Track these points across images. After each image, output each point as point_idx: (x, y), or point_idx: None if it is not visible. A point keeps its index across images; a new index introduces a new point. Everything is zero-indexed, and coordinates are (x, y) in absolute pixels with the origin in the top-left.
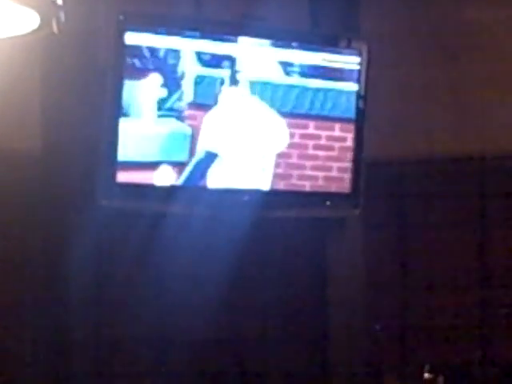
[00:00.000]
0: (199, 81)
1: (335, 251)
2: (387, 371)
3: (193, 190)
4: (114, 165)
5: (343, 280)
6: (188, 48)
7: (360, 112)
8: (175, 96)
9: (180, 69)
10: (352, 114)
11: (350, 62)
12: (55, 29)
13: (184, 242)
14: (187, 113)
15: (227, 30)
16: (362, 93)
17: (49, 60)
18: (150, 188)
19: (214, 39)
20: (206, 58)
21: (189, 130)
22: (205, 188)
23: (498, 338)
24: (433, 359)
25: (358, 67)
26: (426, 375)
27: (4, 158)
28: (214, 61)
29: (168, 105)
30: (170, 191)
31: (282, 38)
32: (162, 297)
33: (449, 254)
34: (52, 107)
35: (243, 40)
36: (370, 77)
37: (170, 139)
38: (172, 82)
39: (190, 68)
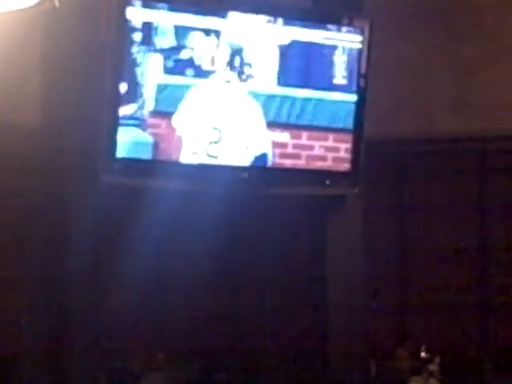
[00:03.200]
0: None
1: (334, 229)
2: (384, 349)
3: (194, 166)
4: (115, 140)
5: (342, 257)
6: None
7: (361, 91)
8: None
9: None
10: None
11: (352, 40)
12: (56, 3)
13: (183, 218)
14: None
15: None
16: (364, 71)
17: (50, 34)
18: (150, 163)
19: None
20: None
21: None
22: (205, 165)
23: (496, 319)
24: (430, 338)
25: (359, 46)
26: (423, 354)
27: (3, 131)
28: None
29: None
30: (170, 167)
31: (281, 15)
32: (160, 270)
33: (448, 233)
34: (52, 81)
35: (236, 15)
36: (371, 55)
37: None
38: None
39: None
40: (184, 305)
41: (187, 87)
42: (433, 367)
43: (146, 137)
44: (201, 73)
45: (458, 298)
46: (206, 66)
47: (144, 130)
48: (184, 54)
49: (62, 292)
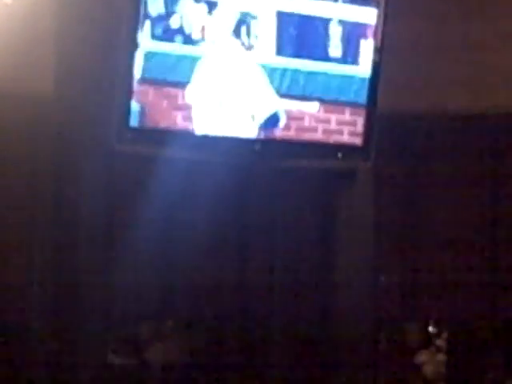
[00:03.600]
0: None
1: (345, 203)
2: (391, 323)
3: (206, 137)
4: (129, 107)
5: (352, 232)
6: None
7: (375, 65)
8: None
9: None
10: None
11: (367, 14)
12: None
13: (194, 188)
14: None
15: None
16: (378, 46)
17: (63, 3)
18: (164, 133)
19: None
20: None
21: None
22: (218, 136)
23: (504, 294)
24: (438, 314)
25: (375, 20)
26: (431, 329)
27: (16, 101)
28: None
29: None
30: (184, 137)
31: None
32: (169, 239)
33: (459, 210)
34: (66, 51)
35: None
36: (386, 30)
37: None
38: None
39: None
40: (193, 274)
41: (193, 58)
42: (440, 342)
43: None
44: (191, 41)
45: (468, 275)
46: (196, 36)
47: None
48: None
49: (72, 259)
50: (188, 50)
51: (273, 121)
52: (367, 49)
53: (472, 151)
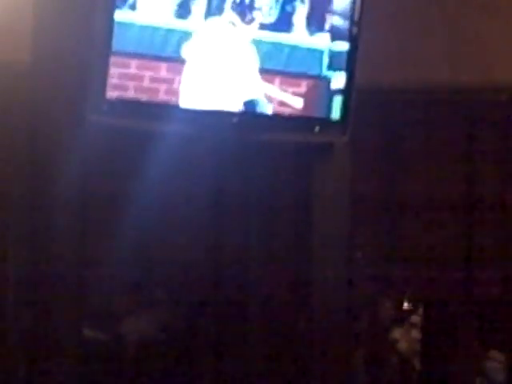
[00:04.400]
0: None
1: (322, 177)
2: (366, 300)
3: (182, 109)
4: (105, 79)
5: (328, 207)
6: None
7: (353, 38)
8: None
9: None
10: None
11: None
12: None
13: (170, 162)
14: None
15: None
16: (356, 18)
17: None
18: (140, 105)
19: None
20: None
21: None
22: (195, 109)
23: (479, 271)
24: (413, 290)
25: None
26: (406, 305)
27: None
28: None
29: None
30: (160, 110)
31: None
32: (142, 218)
33: (437, 184)
34: (43, 21)
35: None
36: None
37: None
38: None
39: None
40: (167, 248)
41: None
42: (415, 319)
43: None
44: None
45: (443, 251)
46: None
47: None
48: None
49: (46, 231)
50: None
51: (254, 98)
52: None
53: (450, 125)
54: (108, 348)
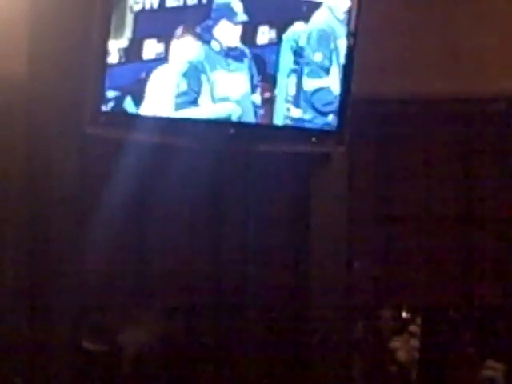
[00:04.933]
0: None
1: (319, 188)
2: (365, 309)
3: (179, 120)
4: (102, 92)
5: (326, 216)
6: None
7: (349, 49)
8: None
9: None
10: None
11: None
12: None
13: (167, 173)
14: None
15: None
16: (352, 30)
17: None
18: (136, 117)
19: None
20: None
21: None
22: (192, 119)
23: (478, 281)
24: (411, 300)
25: (349, 4)
26: (404, 315)
27: None
28: None
29: None
30: (156, 122)
31: None
32: (141, 227)
33: (433, 195)
34: (39, 33)
35: None
36: (360, 14)
37: None
38: None
39: None
40: (165, 260)
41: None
42: (414, 328)
43: None
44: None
45: (441, 261)
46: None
47: None
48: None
49: (44, 244)
50: None
51: (251, 109)
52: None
53: (446, 135)
54: (106, 359)
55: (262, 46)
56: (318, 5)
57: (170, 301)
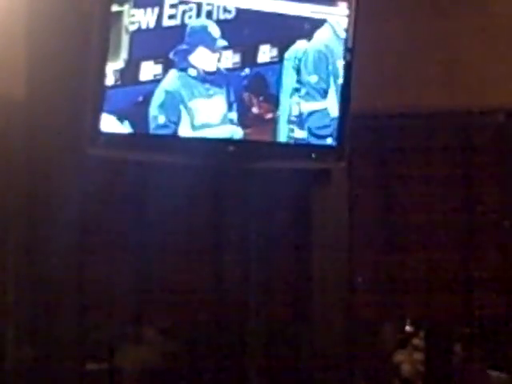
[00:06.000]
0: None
1: (320, 204)
2: (369, 323)
3: (178, 139)
4: (100, 113)
5: (327, 233)
6: None
7: (347, 64)
8: None
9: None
10: None
11: (339, 13)
12: None
13: (168, 192)
14: None
15: None
16: (350, 45)
17: (35, 4)
18: (136, 137)
19: None
20: None
21: None
22: (191, 138)
23: (480, 292)
24: (414, 313)
25: (346, 20)
26: (408, 328)
27: None
28: None
29: None
30: (156, 140)
31: None
32: (144, 245)
33: (434, 209)
34: (38, 53)
35: None
36: (357, 29)
37: None
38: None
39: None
40: (167, 278)
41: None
42: (417, 341)
43: None
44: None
45: (443, 274)
46: None
47: None
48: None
49: (44, 263)
50: None
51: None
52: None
53: (446, 150)
54: (108, 378)
55: (263, 65)
56: (321, 22)
57: (171, 318)
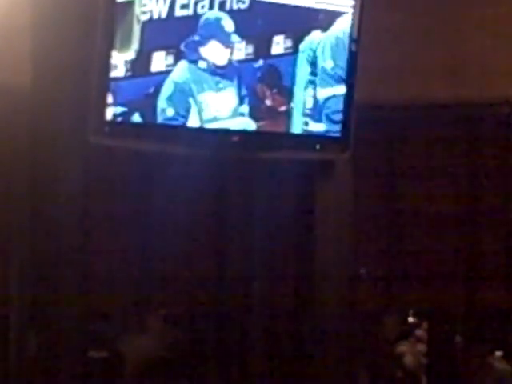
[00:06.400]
0: None
1: (325, 194)
2: (371, 314)
3: (184, 129)
4: (105, 102)
5: (332, 223)
6: None
7: (352, 54)
8: None
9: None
10: None
11: (344, 4)
12: None
13: (173, 181)
14: None
15: None
16: (355, 36)
17: None
18: (140, 127)
19: None
20: None
21: None
22: (195, 128)
23: (481, 284)
24: (417, 304)
25: (351, 10)
26: (411, 319)
27: None
28: None
29: None
30: (160, 130)
31: None
32: (146, 235)
33: (438, 199)
34: (43, 43)
35: None
36: (363, 20)
37: None
38: None
39: None
40: (170, 269)
41: None
42: (420, 332)
43: None
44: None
45: (446, 265)
46: None
47: None
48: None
49: (48, 252)
50: None
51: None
52: None
53: (449, 139)
54: (110, 367)
55: (276, 57)
56: (336, 13)
57: (173, 309)
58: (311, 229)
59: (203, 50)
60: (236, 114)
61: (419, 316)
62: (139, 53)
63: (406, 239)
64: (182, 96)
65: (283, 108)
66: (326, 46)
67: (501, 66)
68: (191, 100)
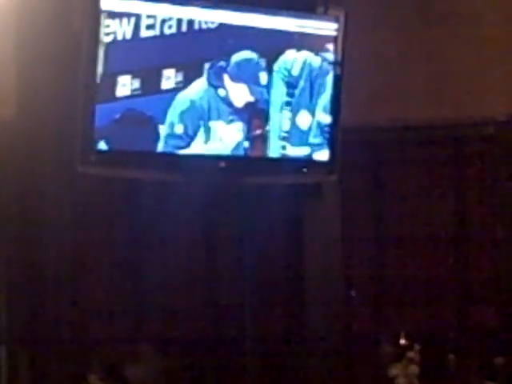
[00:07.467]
0: None
1: (313, 217)
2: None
3: (170, 156)
4: (92, 132)
5: (320, 247)
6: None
7: (336, 78)
8: None
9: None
10: None
11: (327, 28)
12: None
13: (160, 208)
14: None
15: None
16: (339, 59)
17: (24, 26)
18: (128, 155)
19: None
20: None
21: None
22: (183, 154)
23: (474, 304)
24: (408, 326)
25: (334, 33)
26: (402, 341)
27: None
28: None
29: None
30: (148, 158)
31: (254, 3)
32: (137, 262)
33: (424, 221)
34: (28, 74)
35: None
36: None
37: None
38: None
39: None
40: (162, 296)
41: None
42: (412, 354)
43: None
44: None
45: (437, 287)
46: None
47: None
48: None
49: (38, 280)
50: None
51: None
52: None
53: (436, 162)
54: None
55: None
56: (310, 36)
57: (170, 336)
58: (301, 252)
59: (228, 83)
60: (239, 148)
61: (411, 338)
62: (103, 76)
63: (394, 261)
64: (195, 115)
65: (259, 131)
66: (305, 67)
67: (486, 86)
68: (201, 122)
